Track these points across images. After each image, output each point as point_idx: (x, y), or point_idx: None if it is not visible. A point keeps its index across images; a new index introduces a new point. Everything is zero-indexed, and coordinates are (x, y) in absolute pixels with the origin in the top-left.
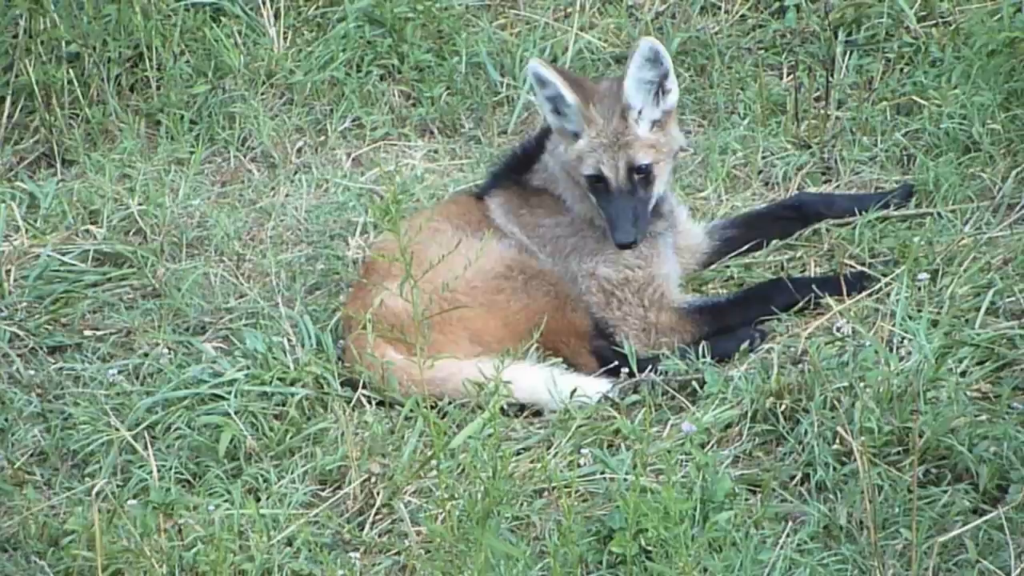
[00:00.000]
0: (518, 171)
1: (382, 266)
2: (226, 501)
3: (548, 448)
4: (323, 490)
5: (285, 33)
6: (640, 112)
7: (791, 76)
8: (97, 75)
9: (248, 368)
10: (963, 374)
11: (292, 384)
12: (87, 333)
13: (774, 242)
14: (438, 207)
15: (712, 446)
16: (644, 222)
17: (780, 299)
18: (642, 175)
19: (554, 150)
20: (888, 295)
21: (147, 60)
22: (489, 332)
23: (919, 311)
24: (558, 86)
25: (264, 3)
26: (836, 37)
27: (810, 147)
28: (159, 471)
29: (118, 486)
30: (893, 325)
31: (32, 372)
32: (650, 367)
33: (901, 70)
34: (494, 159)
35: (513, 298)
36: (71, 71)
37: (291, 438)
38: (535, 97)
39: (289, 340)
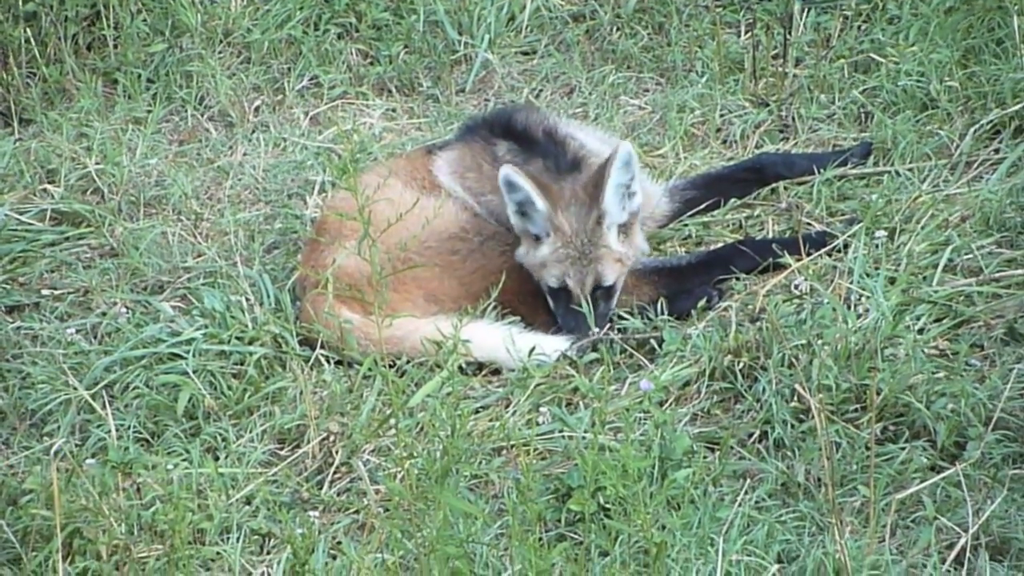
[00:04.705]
0: (497, 133)
1: (334, 224)
2: (185, 460)
3: (507, 406)
4: (282, 449)
5: None
6: (612, 220)
7: (749, 34)
8: (54, 34)
9: (206, 327)
10: (921, 331)
11: (250, 343)
12: (45, 292)
13: (732, 201)
14: (391, 162)
15: (670, 404)
16: (601, 325)
17: (741, 263)
18: (604, 290)
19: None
20: (846, 253)
21: (104, 19)
22: (445, 292)
23: (877, 269)
24: (529, 192)
25: None
26: None
27: (768, 105)
28: (117, 430)
29: (76, 445)
30: (851, 283)
31: None
32: (608, 325)
33: (859, 27)
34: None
35: (468, 259)
36: (28, 30)
37: (249, 397)
38: (506, 198)
39: (247, 299)
